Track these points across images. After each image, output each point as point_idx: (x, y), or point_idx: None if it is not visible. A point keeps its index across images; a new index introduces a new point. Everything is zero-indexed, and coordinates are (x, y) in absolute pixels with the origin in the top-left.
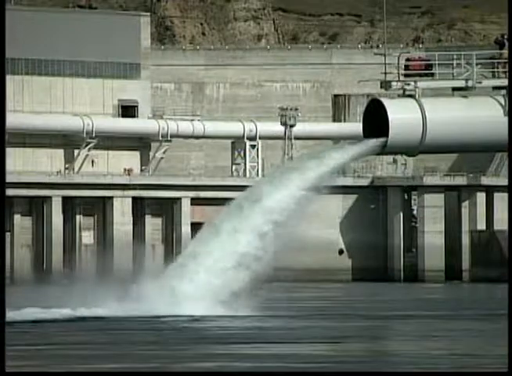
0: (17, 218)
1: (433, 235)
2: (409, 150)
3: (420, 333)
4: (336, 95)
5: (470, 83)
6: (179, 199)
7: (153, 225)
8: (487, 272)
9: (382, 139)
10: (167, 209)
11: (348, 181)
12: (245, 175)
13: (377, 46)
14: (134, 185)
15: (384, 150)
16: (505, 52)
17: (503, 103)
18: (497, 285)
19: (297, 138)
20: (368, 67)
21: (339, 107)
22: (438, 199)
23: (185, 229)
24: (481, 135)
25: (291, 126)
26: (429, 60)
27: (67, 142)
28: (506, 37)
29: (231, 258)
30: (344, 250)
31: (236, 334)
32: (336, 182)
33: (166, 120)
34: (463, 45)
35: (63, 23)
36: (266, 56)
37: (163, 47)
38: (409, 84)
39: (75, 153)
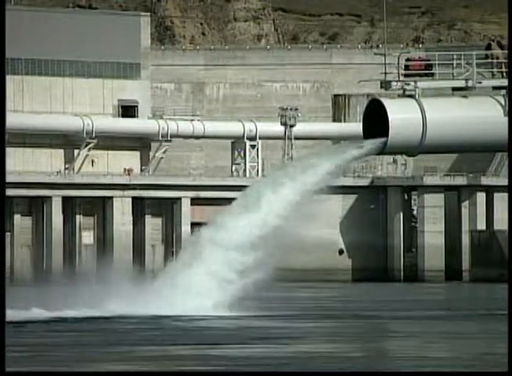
0: (17, 218)
1: (433, 235)
2: (409, 150)
3: (411, 333)
4: (336, 95)
5: (470, 83)
6: (179, 199)
7: (153, 225)
8: (487, 272)
9: (382, 139)
10: (167, 209)
11: (348, 181)
12: (245, 175)
13: (377, 46)
14: (134, 185)
15: (384, 150)
16: (496, 51)
17: (503, 103)
18: (497, 285)
19: (297, 138)
20: (368, 67)
21: (339, 107)
22: (438, 199)
23: (185, 229)
24: (481, 135)
25: (291, 126)
26: (429, 60)
27: (67, 142)
28: (492, 39)
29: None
30: (344, 250)
31: (174, 335)
32: (336, 182)
33: (166, 120)
34: (463, 45)
35: (63, 23)
36: (266, 56)
37: (163, 47)
38: (409, 84)
39: (75, 153)
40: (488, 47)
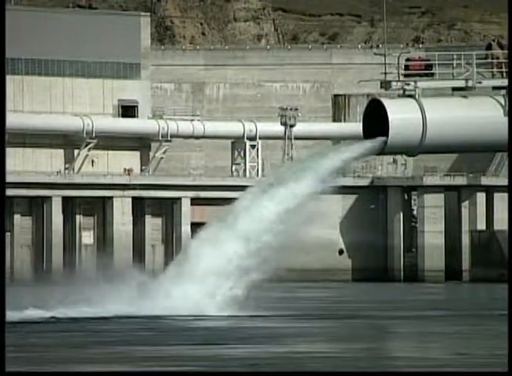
0: (17, 218)
1: (433, 235)
2: (409, 150)
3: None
4: (336, 95)
5: (470, 83)
6: (179, 199)
7: (153, 225)
8: (487, 272)
9: (382, 139)
10: (167, 209)
11: (348, 181)
12: (245, 175)
13: (377, 46)
14: (134, 185)
15: (383, 150)
16: (496, 51)
17: (503, 103)
18: (497, 285)
19: (297, 138)
20: (368, 67)
21: (339, 107)
22: (438, 199)
23: (185, 229)
24: (481, 135)
25: (291, 126)
26: (429, 60)
27: (67, 142)
28: (493, 39)
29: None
30: (344, 250)
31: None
32: (336, 183)
33: (166, 120)
34: (463, 45)
35: (63, 23)
36: (266, 56)
37: (163, 47)
38: (409, 84)
39: (75, 153)
40: (489, 47)
